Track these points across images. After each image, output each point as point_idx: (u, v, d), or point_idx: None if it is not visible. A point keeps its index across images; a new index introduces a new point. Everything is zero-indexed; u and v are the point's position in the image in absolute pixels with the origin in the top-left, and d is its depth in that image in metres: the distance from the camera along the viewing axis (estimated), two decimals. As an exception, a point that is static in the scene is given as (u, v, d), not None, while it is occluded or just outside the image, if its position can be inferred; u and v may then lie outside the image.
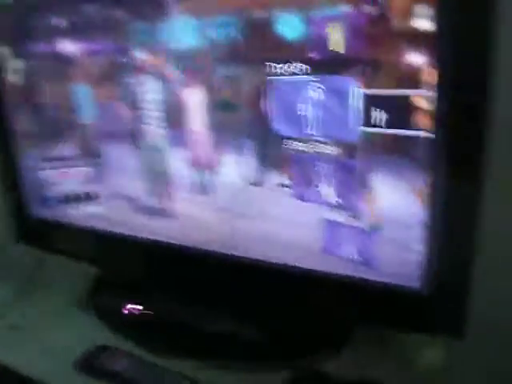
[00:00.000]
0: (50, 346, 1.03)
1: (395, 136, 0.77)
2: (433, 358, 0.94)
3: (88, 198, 1.10)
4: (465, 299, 0.81)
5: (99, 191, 1.09)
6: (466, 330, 0.82)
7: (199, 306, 1.02)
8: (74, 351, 0.99)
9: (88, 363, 0.96)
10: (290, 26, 0.79)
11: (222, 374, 0.92)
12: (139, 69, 0.95)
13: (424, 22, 0.70)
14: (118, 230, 1.08)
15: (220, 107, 0.91)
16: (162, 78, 0.94)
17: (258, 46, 0.84)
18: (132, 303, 1.04)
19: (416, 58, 0.73)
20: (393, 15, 0.72)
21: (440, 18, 0.69)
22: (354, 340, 0.95)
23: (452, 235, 0.79)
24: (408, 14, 0.71)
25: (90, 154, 1.07)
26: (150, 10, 0.90)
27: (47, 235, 1.21)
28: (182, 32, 0.88)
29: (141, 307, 1.04)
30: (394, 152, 0.79)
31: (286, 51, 0.81)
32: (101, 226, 1.10)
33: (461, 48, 0.70)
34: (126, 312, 1.03)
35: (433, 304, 0.84)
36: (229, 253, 0.98)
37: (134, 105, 0.98)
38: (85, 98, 1.03)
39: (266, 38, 0.82)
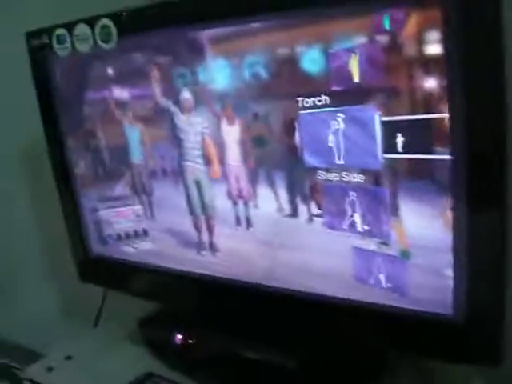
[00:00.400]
0: (101, 374, 1.08)
1: (417, 161, 0.79)
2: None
3: (139, 235, 1.16)
4: (500, 326, 0.79)
5: (149, 228, 1.15)
6: (503, 358, 0.81)
7: (242, 337, 1.04)
8: (122, 379, 1.03)
9: None
10: (311, 61, 0.83)
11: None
12: (183, 109, 1.02)
13: (436, 48, 0.73)
14: (167, 264, 1.13)
15: (255, 143, 0.96)
16: (203, 117, 1.00)
17: (284, 82, 0.89)
18: (179, 334, 1.07)
19: (431, 83, 0.75)
20: (405, 43, 0.75)
21: (450, 42, 0.71)
22: (391, 370, 0.94)
23: (480, 260, 0.79)
24: (419, 40, 0.74)
25: (140, 193, 1.13)
26: (188, 55, 0.98)
27: (106, 273, 1.28)
28: (217, 73, 0.95)
29: (187, 338, 1.07)
30: (418, 177, 0.81)
31: (310, 86, 0.85)
32: (152, 261, 1.16)
33: (475, 71, 0.72)
34: (174, 343, 1.06)
35: (466, 331, 0.82)
36: (269, 284, 1.00)
37: (178, 143, 1.05)
38: (134, 139, 1.11)
39: (291, 74, 0.87)
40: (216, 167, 1.02)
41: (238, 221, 1.02)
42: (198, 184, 1.05)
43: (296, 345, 0.98)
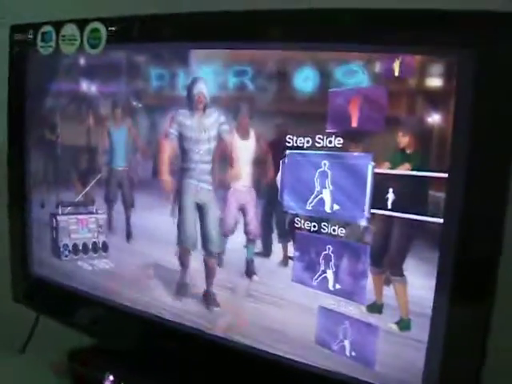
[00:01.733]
0: None
1: (406, 220, 0.72)
2: None
3: (98, 249, 1.06)
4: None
5: (111, 243, 1.05)
6: None
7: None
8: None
9: None
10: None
11: None
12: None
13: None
14: (120, 296, 1.02)
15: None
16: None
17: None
18: (111, 375, 0.96)
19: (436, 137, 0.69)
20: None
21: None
22: None
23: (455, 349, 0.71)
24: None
25: (112, 202, 1.05)
26: (170, 58, 0.92)
27: (42, 296, 1.16)
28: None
29: (119, 381, 0.96)
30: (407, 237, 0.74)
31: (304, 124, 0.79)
32: (104, 286, 1.05)
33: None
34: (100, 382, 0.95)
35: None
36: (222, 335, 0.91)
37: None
38: (119, 142, 1.03)
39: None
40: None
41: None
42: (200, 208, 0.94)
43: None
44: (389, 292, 0.75)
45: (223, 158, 0.90)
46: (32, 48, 1.08)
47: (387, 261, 0.76)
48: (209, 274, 0.92)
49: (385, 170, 0.73)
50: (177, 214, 0.94)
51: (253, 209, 0.87)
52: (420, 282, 0.73)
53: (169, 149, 0.94)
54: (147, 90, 0.97)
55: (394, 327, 0.75)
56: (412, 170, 0.71)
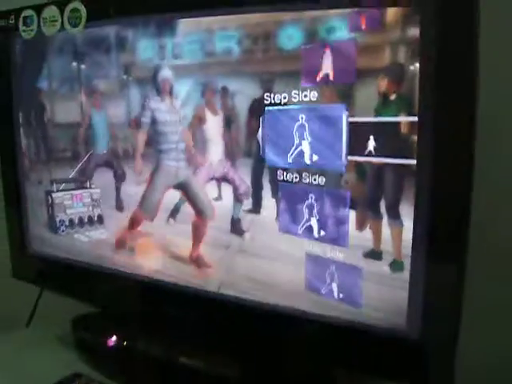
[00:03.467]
0: (28, 373, 1.01)
1: (382, 164, 0.77)
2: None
3: (94, 222, 1.10)
4: (453, 348, 0.77)
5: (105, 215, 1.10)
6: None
7: (180, 343, 0.98)
8: (49, 379, 0.96)
9: None
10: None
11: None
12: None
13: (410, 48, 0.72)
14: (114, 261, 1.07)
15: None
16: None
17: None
18: (114, 336, 1.01)
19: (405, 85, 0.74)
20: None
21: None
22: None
23: (435, 277, 0.77)
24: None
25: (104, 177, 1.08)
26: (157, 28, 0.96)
27: (41, 270, 1.21)
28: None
29: (122, 340, 1.01)
30: (381, 181, 0.79)
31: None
32: (100, 255, 1.10)
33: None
34: (107, 344, 1.00)
35: (420, 350, 0.79)
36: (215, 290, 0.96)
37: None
38: (99, 125, 1.07)
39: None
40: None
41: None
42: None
43: (237, 355, 0.92)
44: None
45: (197, 133, 0.95)
46: (14, 33, 1.12)
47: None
48: (197, 237, 0.97)
49: (358, 118, 0.78)
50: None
51: (237, 173, 0.92)
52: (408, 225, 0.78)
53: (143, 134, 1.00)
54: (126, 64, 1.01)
55: (387, 269, 0.80)
56: (383, 116, 0.76)
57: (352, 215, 0.81)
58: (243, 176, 0.91)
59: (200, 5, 0.89)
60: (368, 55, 0.77)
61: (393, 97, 0.75)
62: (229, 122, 0.91)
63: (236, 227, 0.92)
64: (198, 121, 0.93)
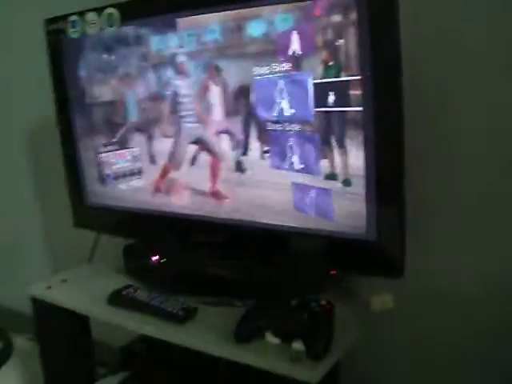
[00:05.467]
0: (90, 289, 1.36)
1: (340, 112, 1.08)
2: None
3: (134, 173, 1.43)
4: (402, 247, 1.08)
5: (144, 167, 1.43)
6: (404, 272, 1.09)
7: (202, 258, 1.31)
8: (106, 292, 1.30)
9: (114, 295, 1.28)
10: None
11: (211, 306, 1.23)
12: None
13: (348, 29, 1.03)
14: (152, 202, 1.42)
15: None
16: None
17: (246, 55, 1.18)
18: (155, 255, 1.35)
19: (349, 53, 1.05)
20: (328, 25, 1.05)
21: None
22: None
23: (384, 190, 1.08)
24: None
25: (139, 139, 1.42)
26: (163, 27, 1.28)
27: (98, 219, 1.56)
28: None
29: (161, 258, 1.34)
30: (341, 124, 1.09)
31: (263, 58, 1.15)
32: (139, 200, 1.44)
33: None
34: (150, 263, 1.35)
35: (375, 249, 1.11)
36: (229, 217, 1.29)
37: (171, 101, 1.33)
38: (131, 100, 1.40)
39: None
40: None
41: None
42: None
43: (245, 261, 1.26)
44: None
45: (204, 100, 1.27)
46: (63, 34, 1.45)
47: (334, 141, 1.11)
48: (214, 176, 1.30)
49: (318, 80, 1.09)
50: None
51: (235, 127, 1.24)
52: (354, 153, 1.09)
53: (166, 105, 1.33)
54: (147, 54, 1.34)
55: (340, 185, 1.12)
56: (335, 76, 1.07)
57: (319, 151, 1.13)
58: (239, 129, 1.23)
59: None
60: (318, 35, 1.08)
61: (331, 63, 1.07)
62: (227, 90, 1.22)
63: (239, 167, 1.24)
64: (204, 90, 1.25)
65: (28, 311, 1.45)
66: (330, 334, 1.04)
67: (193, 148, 1.31)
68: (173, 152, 1.34)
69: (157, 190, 1.40)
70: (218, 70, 1.22)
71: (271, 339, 1.06)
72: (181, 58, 1.27)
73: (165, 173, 1.37)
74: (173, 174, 1.37)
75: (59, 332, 1.48)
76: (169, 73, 1.30)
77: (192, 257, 1.32)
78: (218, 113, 1.26)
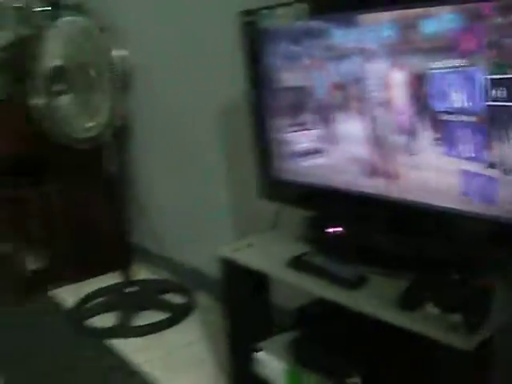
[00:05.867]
0: (272, 253, 1.58)
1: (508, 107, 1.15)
2: None
3: (317, 152, 1.59)
4: None
5: (324, 147, 1.58)
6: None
7: (376, 234, 1.46)
8: (287, 256, 1.50)
9: (294, 259, 1.48)
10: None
11: (383, 276, 1.37)
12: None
13: None
14: (332, 178, 1.57)
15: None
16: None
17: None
18: (332, 227, 1.52)
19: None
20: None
21: None
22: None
23: None
24: None
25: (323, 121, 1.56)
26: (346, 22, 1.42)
27: (281, 192, 1.76)
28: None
29: (337, 229, 1.51)
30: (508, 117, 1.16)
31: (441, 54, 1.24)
32: (320, 175, 1.60)
33: None
34: (328, 233, 1.52)
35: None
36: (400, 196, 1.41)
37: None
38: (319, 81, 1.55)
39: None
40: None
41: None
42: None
43: (412, 238, 1.39)
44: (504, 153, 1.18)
45: (387, 87, 1.39)
46: (257, 25, 1.65)
47: (501, 133, 1.18)
48: (388, 157, 1.42)
49: (488, 76, 1.16)
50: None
51: (415, 114, 1.34)
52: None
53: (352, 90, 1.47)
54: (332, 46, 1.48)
55: (503, 174, 1.19)
56: (503, 73, 1.13)
57: (486, 141, 1.20)
58: (415, 117, 1.34)
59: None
60: (487, 34, 1.14)
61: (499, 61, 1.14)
62: (405, 82, 1.33)
63: (412, 151, 1.36)
64: (384, 82, 1.37)
65: (213, 273, 1.67)
66: (487, 310, 1.14)
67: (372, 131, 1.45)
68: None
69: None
70: (395, 64, 1.34)
71: (432, 309, 1.18)
72: (359, 52, 1.40)
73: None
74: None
75: (242, 290, 1.72)
76: (351, 64, 1.44)
77: (365, 231, 1.47)
78: (396, 102, 1.38)
